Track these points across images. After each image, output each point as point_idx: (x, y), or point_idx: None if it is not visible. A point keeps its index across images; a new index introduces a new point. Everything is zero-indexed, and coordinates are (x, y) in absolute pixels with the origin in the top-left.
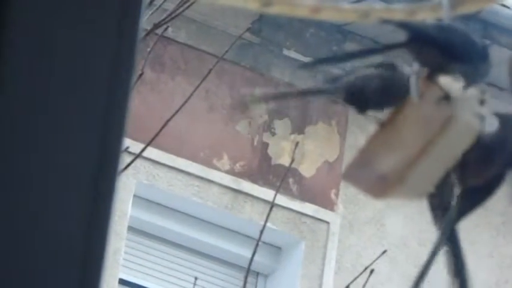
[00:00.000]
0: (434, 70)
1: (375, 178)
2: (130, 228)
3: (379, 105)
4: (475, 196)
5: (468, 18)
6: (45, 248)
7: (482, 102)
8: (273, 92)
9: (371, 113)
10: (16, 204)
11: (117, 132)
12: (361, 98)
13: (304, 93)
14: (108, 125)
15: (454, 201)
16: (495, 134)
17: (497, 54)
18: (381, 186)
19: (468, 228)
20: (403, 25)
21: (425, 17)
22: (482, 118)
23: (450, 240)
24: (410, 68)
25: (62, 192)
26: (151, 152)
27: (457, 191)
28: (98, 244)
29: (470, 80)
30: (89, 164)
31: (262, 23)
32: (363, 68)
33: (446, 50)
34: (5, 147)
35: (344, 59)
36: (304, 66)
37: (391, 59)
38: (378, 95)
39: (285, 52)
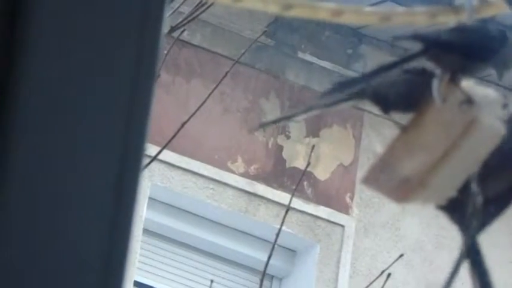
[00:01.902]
0: (457, 73)
1: (396, 182)
2: (145, 231)
3: (405, 109)
4: (497, 203)
5: (485, 21)
6: (66, 250)
7: (505, 106)
8: (300, 109)
9: (394, 114)
10: (37, 205)
11: (139, 134)
12: (387, 100)
13: (332, 104)
14: (131, 126)
15: (476, 211)
16: None
17: None
18: (402, 189)
19: (488, 233)
20: (416, 37)
21: (447, 20)
22: (505, 122)
23: (471, 250)
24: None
25: (84, 193)
26: (166, 155)
27: (479, 200)
28: (120, 247)
29: (501, 69)
30: (111, 165)
31: (277, 26)
32: (385, 69)
33: (465, 51)
34: (28, 150)
35: (362, 81)
36: (324, 95)
37: (421, 63)
38: (405, 98)
39: (300, 55)
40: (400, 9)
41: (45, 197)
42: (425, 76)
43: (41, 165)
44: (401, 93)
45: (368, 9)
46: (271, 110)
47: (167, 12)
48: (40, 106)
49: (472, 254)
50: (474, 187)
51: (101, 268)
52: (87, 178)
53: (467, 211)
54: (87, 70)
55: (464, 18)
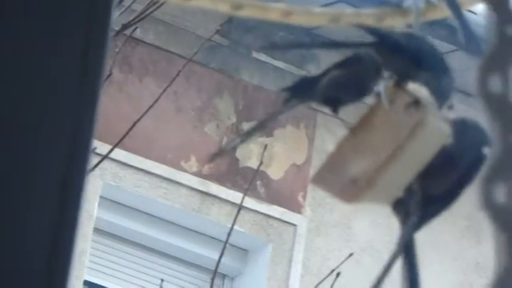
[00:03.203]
0: (400, 77)
1: (344, 182)
2: (96, 230)
3: (352, 100)
4: (436, 204)
5: (435, 23)
6: (11, 249)
7: (450, 107)
8: (257, 124)
9: (343, 110)
10: None
11: (86, 133)
12: (335, 98)
13: (282, 111)
14: (78, 125)
15: (414, 209)
16: (454, 141)
17: (463, 60)
18: (350, 190)
19: (433, 232)
20: (371, 30)
21: (394, 22)
22: (450, 123)
23: (406, 248)
24: (376, 59)
25: (30, 192)
26: (119, 153)
27: (418, 198)
28: (66, 245)
29: (435, 92)
30: (57, 164)
31: (231, 25)
32: (332, 68)
33: (412, 56)
34: None
35: (312, 46)
36: (270, 47)
37: (358, 52)
38: (349, 90)
39: (254, 55)
40: (349, 10)
41: None
42: (364, 64)
43: None
44: (347, 88)
45: (317, 10)
46: (225, 109)
47: (117, 10)
48: None
49: (406, 247)
50: (414, 186)
51: (45, 267)
52: (33, 177)
53: (408, 208)
54: (32, 68)
55: (412, 20)
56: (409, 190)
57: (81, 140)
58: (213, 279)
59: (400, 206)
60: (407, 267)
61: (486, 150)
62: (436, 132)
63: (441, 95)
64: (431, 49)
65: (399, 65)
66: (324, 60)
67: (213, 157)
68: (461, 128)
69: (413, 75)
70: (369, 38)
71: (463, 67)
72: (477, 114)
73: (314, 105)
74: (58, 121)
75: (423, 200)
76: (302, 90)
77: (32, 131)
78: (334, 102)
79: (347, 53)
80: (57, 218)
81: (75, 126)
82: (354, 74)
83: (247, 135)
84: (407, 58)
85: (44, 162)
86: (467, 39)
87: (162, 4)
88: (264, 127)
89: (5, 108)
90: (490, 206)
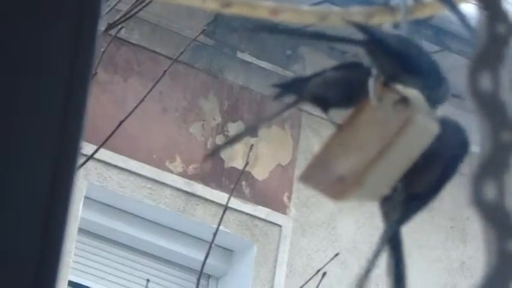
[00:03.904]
0: (389, 77)
1: (332, 180)
2: (81, 230)
3: (343, 105)
4: (417, 201)
5: (420, 24)
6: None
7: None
8: (249, 126)
9: (333, 111)
10: None
11: (74, 133)
12: (326, 100)
13: (275, 114)
14: (66, 125)
15: (398, 206)
16: (437, 139)
17: (448, 60)
18: (338, 188)
19: (417, 232)
20: (362, 27)
21: (382, 20)
22: (438, 121)
23: (393, 245)
24: (371, 66)
25: (19, 192)
26: (103, 154)
27: (401, 195)
28: (54, 245)
29: (428, 98)
30: (46, 165)
31: (216, 26)
32: (325, 71)
33: (401, 60)
34: None
35: (302, 35)
36: (259, 29)
37: (352, 59)
38: (342, 95)
39: (239, 55)
40: (337, 9)
41: None
42: (357, 70)
43: None
44: (338, 90)
45: (305, 8)
46: (210, 109)
47: (104, 10)
48: None
49: (393, 244)
50: (399, 183)
51: (34, 267)
52: (22, 177)
53: (391, 204)
54: (21, 67)
55: (399, 19)
56: (394, 188)
57: (70, 140)
58: (198, 280)
59: (384, 204)
60: (394, 265)
61: (466, 149)
62: (423, 130)
63: (434, 101)
64: (422, 54)
65: (388, 67)
66: (310, 61)
67: (208, 156)
68: (441, 126)
69: (400, 79)
70: (360, 36)
71: (447, 68)
72: (460, 114)
73: (299, 105)
74: (46, 121)
75: (406, 198)
76: (294, 89)
77: (21, 131)
78: (324, 103)
79: (333, 54)
80: (45, 218)
81: (64, 127)
82: (348, 76)
83: (239, 136)
84: (397, 63)
85: (33, 162)
86: (470, 34)
87: (147, 4)
88: (255, 129)
89: None
90: (479, 203)
